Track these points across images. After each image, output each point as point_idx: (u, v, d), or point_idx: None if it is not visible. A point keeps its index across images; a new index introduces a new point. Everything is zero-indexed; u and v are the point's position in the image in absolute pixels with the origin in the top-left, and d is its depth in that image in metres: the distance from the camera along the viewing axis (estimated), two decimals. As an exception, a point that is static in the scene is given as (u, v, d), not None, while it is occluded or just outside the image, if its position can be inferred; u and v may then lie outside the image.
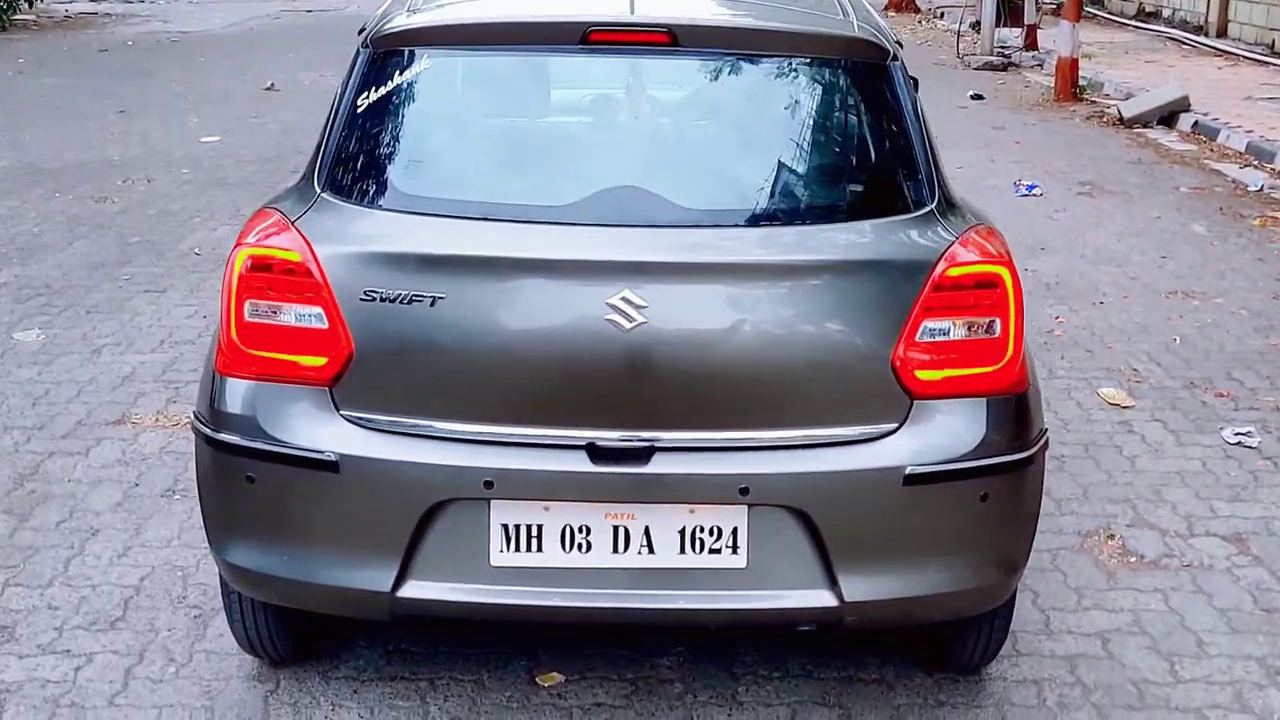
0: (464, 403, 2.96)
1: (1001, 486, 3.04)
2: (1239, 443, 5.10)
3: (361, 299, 2.94)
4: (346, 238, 3.02)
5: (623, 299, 2.87)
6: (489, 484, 2.93)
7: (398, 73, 3.18)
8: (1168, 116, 12.28)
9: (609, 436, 2.93)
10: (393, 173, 3.17)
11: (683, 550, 2.98)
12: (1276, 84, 14.04)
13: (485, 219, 3.02)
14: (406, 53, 3.20)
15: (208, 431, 3.11)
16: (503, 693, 3.45)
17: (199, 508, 3.26)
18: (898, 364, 2.94)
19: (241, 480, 3.05)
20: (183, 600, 3.89)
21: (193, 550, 4.15)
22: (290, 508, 3.04)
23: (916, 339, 2.94)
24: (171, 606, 3.85)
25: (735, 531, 2.97)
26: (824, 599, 2.98)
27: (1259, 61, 15.67)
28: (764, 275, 2.97)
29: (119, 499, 4.52)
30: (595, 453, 2.93)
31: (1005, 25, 17.34)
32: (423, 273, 2.93)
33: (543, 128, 3.34)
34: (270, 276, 3.00)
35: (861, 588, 2.98)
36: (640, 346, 2.89)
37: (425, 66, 3.19)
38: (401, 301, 2.92)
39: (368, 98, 3.18)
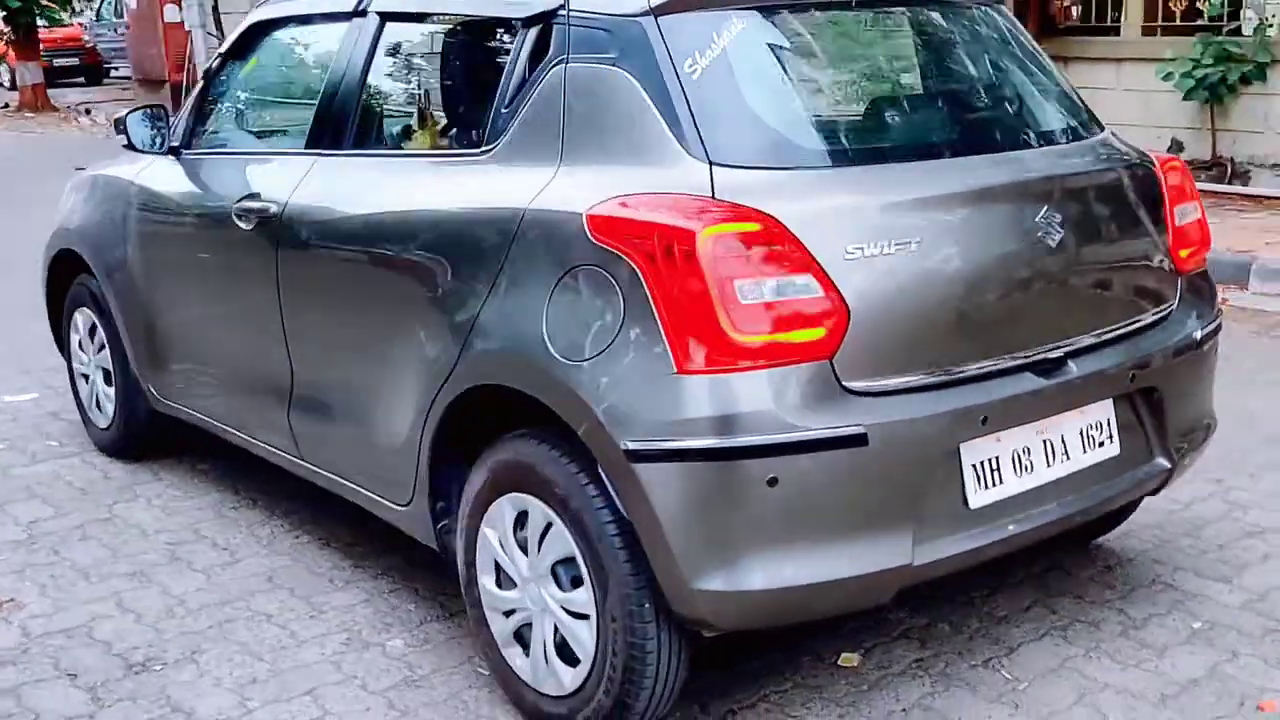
0: (947, 344, 2.91)
1: (1218, 336, 3.63)
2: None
3: (846, 258, 2.75)
4: (803, 199, 2.80)
5: (1044, 217, 3.03)
6: (984, 420, 2.90)
7: (715, 35, 2.91)
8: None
9: (1044, 349, 3.05)
10: (789, 132, 2.94)
11: (1084, 450, 3.17)
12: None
13: (915, 159, 3.02)
14: (710, 15, 2.95)
15: (695, 445, 2.65)
16: (825, 682, 3.31)
17: (656, 552, 2.72)
18: (1172, 245, 3.41)
19: (760, 487, 2.65)
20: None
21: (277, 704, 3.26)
22: (814, 502, 2.72)
23: (1176, 224, 3.43)
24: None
25: (1109, 423, 3.23)
26: (1162, 465, 3.36)
27: None
28: (1108, 182, 3.30)
29: (84, 700, 3.33)
30: (1039, 368, 3.03)
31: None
32: (899, 218, 2.85)
33: (879, 76, 3.28)
34: (750, 253, 2.68)
35: (1184, 447, 3.41)
36: (1064, 256, 3.07)
37: (742, 26, 2.94)
38: (886, 251, 2.79)
39: (694, 64, 2.88)
